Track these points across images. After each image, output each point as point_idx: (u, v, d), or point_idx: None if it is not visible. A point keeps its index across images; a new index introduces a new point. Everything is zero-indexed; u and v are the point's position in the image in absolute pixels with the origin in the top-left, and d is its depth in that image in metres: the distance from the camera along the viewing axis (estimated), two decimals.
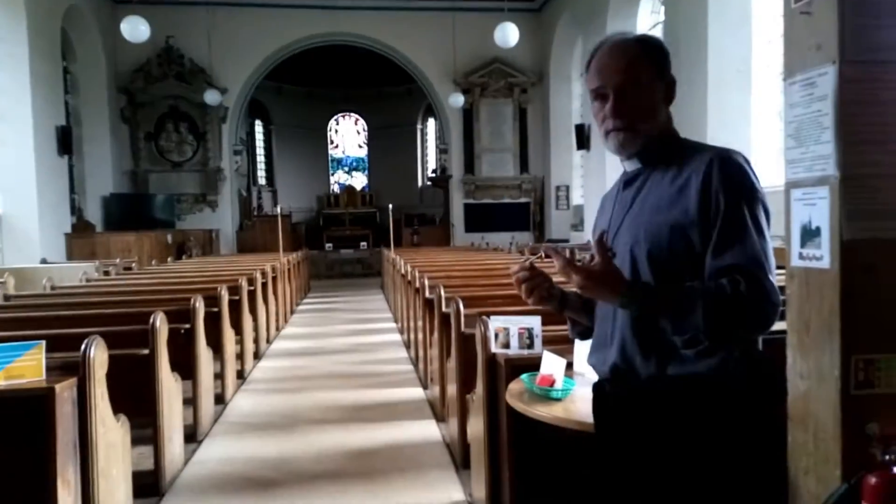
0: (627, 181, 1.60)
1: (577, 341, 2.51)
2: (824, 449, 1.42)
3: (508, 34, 10.04)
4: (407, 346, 6.69)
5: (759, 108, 7.56)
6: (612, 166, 11.21)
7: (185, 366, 3.95)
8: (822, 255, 1.40)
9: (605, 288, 1.42)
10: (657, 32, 10.57)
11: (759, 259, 1.33)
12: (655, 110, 1.51)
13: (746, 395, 1.40)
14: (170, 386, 3.53)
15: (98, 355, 2.61)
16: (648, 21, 10.88)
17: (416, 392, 4.99)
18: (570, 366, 2.40)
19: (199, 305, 4.20)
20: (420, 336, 5.42)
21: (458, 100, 13.36)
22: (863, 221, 1.70)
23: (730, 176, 1.38)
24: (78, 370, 2.55)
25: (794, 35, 1.76)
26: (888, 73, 1.69)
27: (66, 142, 10.67)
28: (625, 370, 1.51)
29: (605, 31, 11.07)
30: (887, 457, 1.55)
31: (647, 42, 1.56)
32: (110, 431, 2.74)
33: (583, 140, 12.34)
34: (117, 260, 9.14)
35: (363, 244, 15.61)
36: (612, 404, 1.52)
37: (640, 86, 1.49)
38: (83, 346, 2.58)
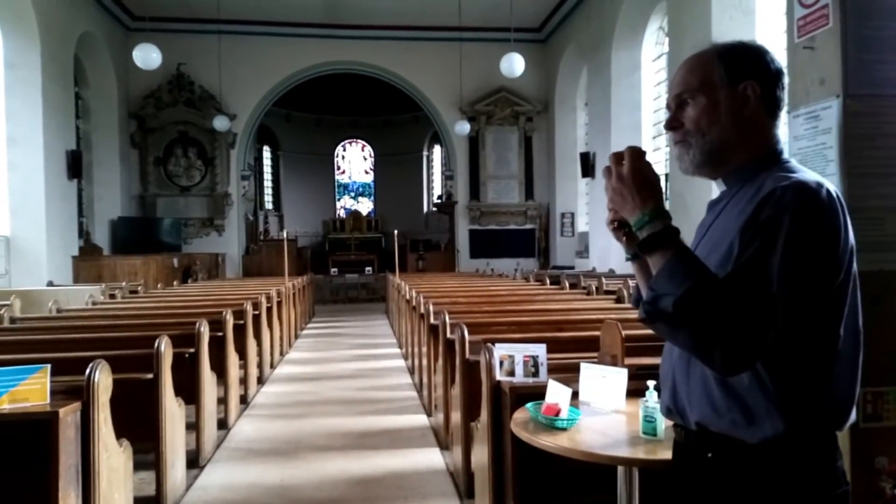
0: (712, 204, 1.39)
1: (583, 368, 2.50)
2: None
3: (514, 64, 10.16)
4: (411, 371, 6.65)
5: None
6: None
7: (188, 390, 3.94)
8: None
9: (639, 194, 1.22)
10: (661, 63, 10.69)
11: (766, 298, 1.11)
12: (714, 121, 1.29)
13: (808, 473, 1.19)
14: (173, 411, 3.52)
15: (102, 380, 2.61)
16: (653, 52, 11.00)
17: (420, 419, 4.96)
18: (575, 395, 2.39)
19: (204, 330, 4.20)
20: (424, 362, 5.40)
21: (464, 127, 13.48)
22: (868, 253, 1.71)
23: (785, 211, 1.13)
24: (82, 394, 2.55)
25: (798, 69, 1.79)
26: (891, 107, 1.71)
27: (75, 166, 10.79)
28: (675, 410, 1.36)
29: (609, 62, 11.22)
30: None
31: (721, 46, 1.34)
32: (113, 456, 2.73)
33: (587, 168, 12.40)
34: (123, 283, 9.18)
35: (368, 269, 15.62)
36: (678, 451, 1.39)
37: (696, 94, 1.31)
38: (88, 371, 2.59)
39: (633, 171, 1.23)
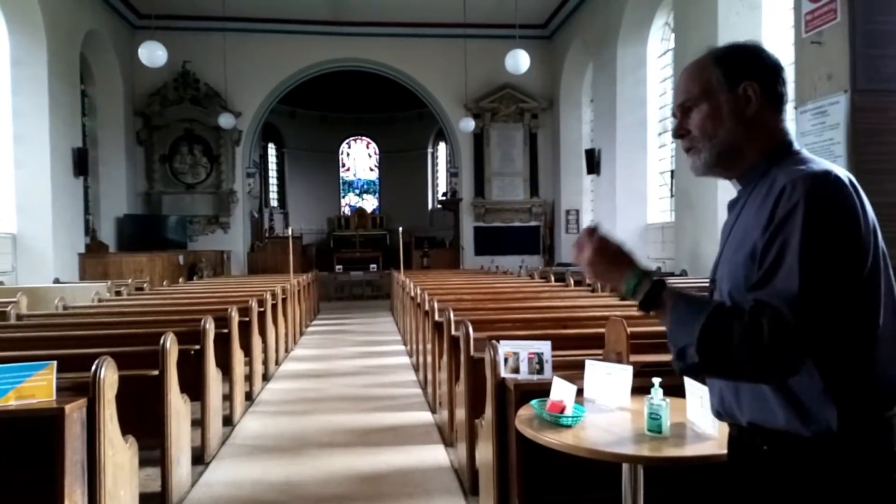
0: (731, 205, 1.42)
1: (588, 365, 2.50)
2: None
3: (519, 61, 10.12)
4: (416, 369, 6.66)
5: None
6: (621, 190, 11.23)
7: (194, 387, 3.95)
8: None
9: (615, 265, 1.30)
10: (667, 59, 10.64)
11: (793, 300, 1.10)
12: (719, 125, 1.33)
13: (865, 460, 1.19)
14: (178, 407, 3.53)
15: (108, 376, 2.62)
16: (659, 48, 10.96)
17: (425, 416, 4.96)
18: (580, 392, 2.38)
19: (210, 327, 4.21)
20: (429, 359, 5.40)
21: (468, 124, 13.45)
22: None
23: (798, 204, 1.14)
24: (88, 391, 2.56)
25: (805, 64, 1.78)
26: None
27: (81, 164, 10.82)
28: (724, 409, 1.37)
29: (615, 59, 11.18)
30: None
31: (716, 51, 1.37)
32: (118, 453, 2.73)
33: (593, 165, 12.36)
34: (129, 280, 9.20)
35: (373, 266, 15.62)
36: (733, 447, 1.39)
37: (697, 101, 1.36)
38: (93, 367, 2.59)
39: (596, 254, 1.32)
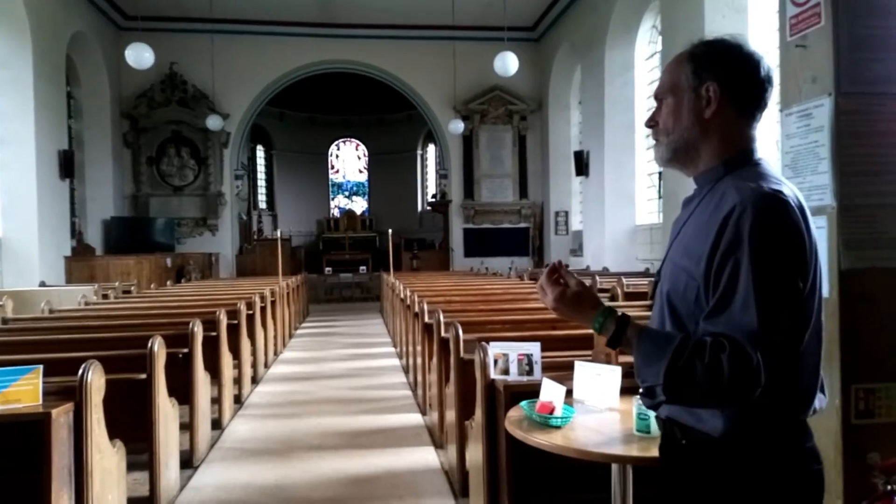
0: (686, 202, 1.44)
1: (577, 366, 2.51)
2: (825, 479, 1.41)
3: (508, 63, 10.15)
4: (406, 371, 6.65)
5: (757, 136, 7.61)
6: (610, 192, 11.29)
7: (182, 390, 3.93)
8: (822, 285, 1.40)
9: (578, 308, 1.34)
10: (654, 62, 10.71)
11: (751, 330, 1.13)
12: (677, 122, 1.35)
13: (780, 454, 1.24)
14: (167, 411, 3.51)
15: (95, 380, 2.60)
16: (646, 51, 11.02)
17: (415, 418, 4.95)
18: (569, 393, 2.39)
19: (198, 330, 4.19)
20: (419, 361, 5.40)
21: (458, 126, 13.46)
22: (860, 251, 1.72)
23: (744, 230, 1.15)
24: (75, 395, 2.54)
25: (790, 67, 1.80)
26: (883, 105, 1.72)
27: (67, 166, 10.72)
28: (651, 402, 1.40)
29: (602, 61, 11.24)
30: (889, 486, 1.54)
31: (696, 46, 1.37)
32: (106, 457, 2.71)
33: (581, 166, 12.41)
34: (116, 283, 9.13)
35: (362, 268, 15.60)
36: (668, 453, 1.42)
37: (667, 95, 1.38)
38: (80, 371, 2.57)
39: (557, 301, 1.35)
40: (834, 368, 1.45)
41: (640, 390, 1.27)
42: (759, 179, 1.24)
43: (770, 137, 7.34)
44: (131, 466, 3.15)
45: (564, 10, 13.04)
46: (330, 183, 22.38)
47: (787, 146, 1.59)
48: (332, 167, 22.46)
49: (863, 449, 1.49)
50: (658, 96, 1.41)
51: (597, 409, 2.34)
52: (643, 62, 11.06)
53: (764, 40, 7.32)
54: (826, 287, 1.37)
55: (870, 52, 1.57)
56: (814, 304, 1.22)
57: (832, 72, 1.53)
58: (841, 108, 1.52)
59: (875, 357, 1.53)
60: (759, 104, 1.32)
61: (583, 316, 1.34)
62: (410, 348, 6.17)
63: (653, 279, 1.41)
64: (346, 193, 22.67)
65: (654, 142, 1.43)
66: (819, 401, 1.27)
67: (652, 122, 1.42)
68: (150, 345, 3.37)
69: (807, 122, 1.59)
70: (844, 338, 1.41)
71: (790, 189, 1.24)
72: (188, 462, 3.94)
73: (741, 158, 1.31)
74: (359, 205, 22.49)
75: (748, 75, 1.31)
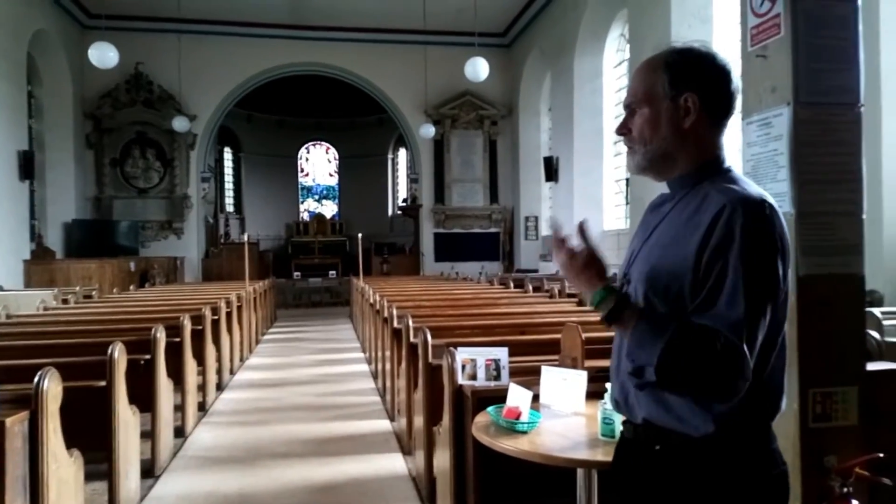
0: (655, 205, 1.46)
1: (543, 371, 2.52)
2: None
3: (479, 68, 10.20)
4: (374, 376, 6.61)
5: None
6: (579, 197, 11.41)
7: (143, 398, 3.83)
8: None
9: (585, 275, 1.31)
10: (622, 70, 10.86)
11: (740, 327, 1.16)
12: (655, 131, 1.36)
13: (749, 456, 1.27)
14: (127, 419, 3.42)
15: (52, 388, 2.52)
16: (614, 59, 11.18)
17: (383, 424, 4.92)
18: (536, 398, 2.40)
19: (161, 336, 4.10)
20: (388, 366, 5.37)
21: (429, 130, 13.47)
22: (818, 257, 1.76)
23: (736, 230, 1.19)
24: (30, 403, 2.46)
25: (751, 77, 1.83)
26: (840, 115, 1.77)
27: (27, 167, 10.44)
28: (623, 404, 1.42)
29: (572, 68, 11.36)
30: (846, 489, 1.58)
31: (670, 54, 1.38)
32: (62, 467, 2.63)
33: (551, 172, 12.52)
34: (77, 288, 8.91)
35: (332, 273, 15.48)
36: (625, 447, 1.45)
37: (640, 104, 1.38)
38: (36, 379, 2.50)
39: (569, 259, 1.32)
40: (792, 373, 1.48)
41: (629, 370, 1.27)
42: (741, 184, 1.29)
43: (735, 146, 7.52)
44: (89, 476, 3.06)
45: (535, 17, 13.16)
46: (299, 186, 22.18)
47: (748, 154, 1.61)
48: (302, 170, 22.26)
49: (820, 452, 1.52)
50: (630, 105, 1.40)
51: (563, 414, 2.35)
52: (611, 70, 11.22)
53: (728, 49, 7.48)
54: None
55: (827, 63, 1.61)
56: (786, 307, 1.26)
57: (791, 82, 1.57)
58: (799, 118, 1.56)
59: (832, 361, 1.56)
60: (729, 113, 1.36)
61: (587, 284, 1.32)
62: (379, 353, 6.13)
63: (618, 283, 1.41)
64: (316, 197, 22.48)
65: (625, 149, 1.43)
66: (783, 403, 1.30)
67: (624, 130, 1.42)
68: (109, 351, 3.29)
69: (767, 131, 1.62)
70: (802, 342, 1.44)
71: (769, 196, 1.28)
72: (149, 471, 3.85)
73: (714, 165, 1.35)
74: (329, 208, 22.32)
75: (722, 86, 1.34)
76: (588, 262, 1.31)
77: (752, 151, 1.66)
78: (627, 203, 10.19)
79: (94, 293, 8.55)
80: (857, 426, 1.68)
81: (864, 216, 1.74)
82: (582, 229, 1.34)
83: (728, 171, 1.35)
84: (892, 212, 5.31)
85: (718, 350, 1.15)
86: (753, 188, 1.29)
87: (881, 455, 1.57)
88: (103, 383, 3.25)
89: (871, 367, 1.92)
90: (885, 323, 4.07)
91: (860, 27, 1.78)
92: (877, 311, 4.23)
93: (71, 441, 2.72)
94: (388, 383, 5.33)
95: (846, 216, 1.62)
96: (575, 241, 1.34)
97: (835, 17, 1.71)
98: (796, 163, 1.56)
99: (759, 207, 1.21)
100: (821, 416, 1.56)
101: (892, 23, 5.32)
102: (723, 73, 1.34)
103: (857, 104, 1.72)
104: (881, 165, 5.26)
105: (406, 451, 4.23)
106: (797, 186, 1.57)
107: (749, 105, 1.69)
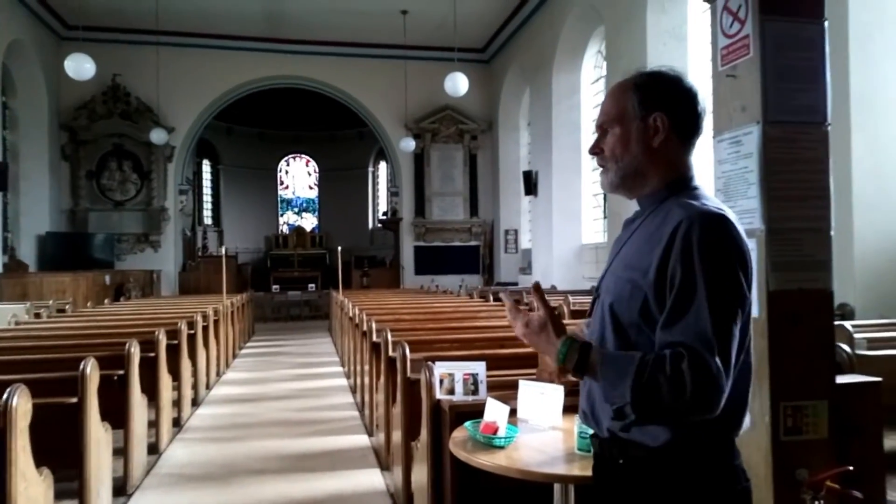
0: (629, 221, 1.50)
1: (521, 385, 2.52)
2: (756, 494, 1.45)
3: (458, 83, 10.27)
4: (353, 391, 6.56)
5: (694, 159, 7.89)
6: (558, 211, 11.49)
7: (117, 414, 3.77)
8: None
9: (543, 338, 1.35)
10: (599, 86, 11.01)
11: (708, 337, 1.18)
12: (626, 150, 1.40)
13: (710, 471, 1.29)
14: (99, 436, 3.36)
15: (21, 405, 2.47)
16: (592, 75, 11.33)
17: (361, 439, 4.88)
18: (514, 412, 2.40)
19: (135, 351, 4.04)
20: (367, 381, 5.33)
21: (409, 144, 13.51)
22: (788, 273, 1.80)
23: (694, 243, 1.22)
24: None
25: (722, 96, 1.88)
26: (807, 134, 1.81)
27: (1, 178, 10.27)
28: (590, 416, 1.44)
29: (550, 84, 11.49)
30: (817, 501, 1.60)
31: (639, 76, 1.43)
32: (32, 486, 2.57)
33: (530, 186, 12.61)
34: (50, 302, 8.74)
35: (311, 286, 15.40)
36: (596, 459, 1.47)
37: (613, 124, 1.42)
38: (5, 395, 2.44)
39: (525, 330, 1.37)
40: (763, 386, 1.50)
41: (611, 415, 1.28)
42: (703, 200, 1.32)
43: (708, 162, 7.64)
44: (60, 495, 2.99)
45: (514, 34, 13.30)
46: (279, 199, 22.06)
47: (718, 171, 1.65)
48: (282, 183, 22.16)
49: (792, 465, 1.54)
50: (603, 125, 1.45)
51: (540, 428, 2.35)
52: (589, 86, 11.36)
53: (701, 68, 7.62)
54: (756, 307, 1.42)
55: (795, 83, 1.65)
56: (749, 320, 1.27)
57: (760, 101, 1.61)
58: (768, 136, 1.59)
59: (802, 375, 1.59)
60: (697, 132, 1.41)
61: (547, 346, 1.35)
62: (358, 368, 6.10)
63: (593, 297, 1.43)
64: (296, 210, 22.37)
65: (599, 167, 1.47)
66: (747, 419, 1.31)
67: (597, 150, 1.46)
68: (81, 367, 3.23)
69: (737, 149, 1.65)
70: (773, 356, 1.46)
71: (730, 212, 1.31)
72: (122, 489, 3.77)
73: (682, 182, 1.39)
74: (309, 221, 22.22)
75: (689, 107, 1.39)
76: (542, 325, 1.35)
77: (724, 169, 1.69)
78: (605, 217, 10.29)
79: (67, 307, 8.39)
80: (828, 439, 1.71)
81: (833, 232, 1.79)
82: (537, 289, 1.40)
83: (695, 188, 1.38)
84: (863, 227, 5.43)
85: (685, 371, 1.15)
86: (713, 203, 1.32)
87: (851, 468, 1.59)
88: (75, 400, 3.19)
89: (842, 380, 1.95)
90: (856, 336, 4.14)
91: (827, 48, 1.83)
92: (848, 324, 4.31)
93: (41, 459, 2.66)
94: (367, 398, 5.30)
95: (815, 232, 1.66)
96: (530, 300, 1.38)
97: (802, 38, 1.76)
98: (766, 180, 1.59)
99: (716, 219, 1.25)
100: (792, 430, 1.58)
101: (859, 44, 5.47)
102: (690, 94, 1.39)
103: (824, 123, 1.77)
104: (851, 182, 5.38)
105: (384, 466, 4.20)
106: (767, 203, 1.61)
107: (720, 123, 1.73)
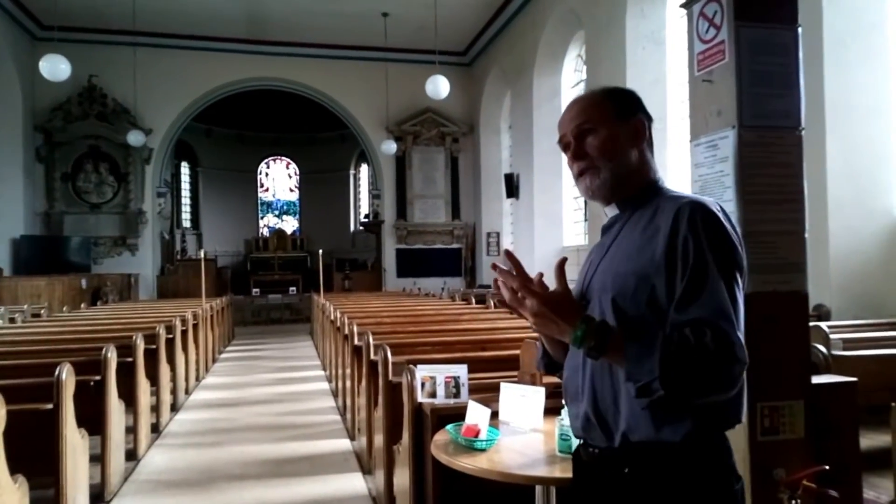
0: (606, 227, 1.50)
1: (502, 388, 2.53)
2: None
3: (439, 86, 10.28)
4: (335, 394, 6.53)
5: (674, 163, 7.99)
6: (539, 214, 11.54)
7: (93, 420, 3.71)
8: None
9: (561, 317, 1.28)
10: (580, 90, 11.08)
11: (727, 311, 1.21)
12: (617, 150, 1.41)
13: (714, 471, 1.29)
14: (75, 442, 3.30)
15: None
16: (572, 79, 11.40)
17: (343, 443, 4.86)
18: (495, 414, 2.40)
19: (112, 356, 3.98)
20: (348, 384, 5.31)
21: (390, 147, 13.49)
22: (764, 275, 1.82)
23: (698, 224, 1.26)
24: None
25: (698, 101, 1.90)
26: (782, 138, 1.84)
27: None
28: (597, 424, 1.39)
29: (531, 87, 11.54)
30: (794, 501, 1.62)
31: (605, 89, 1.48)
32: (6, 494, 2.52)
33: (512, 189, 12.66)
34: (25, 306, 8.59)
35: (292, 289, 15.28)
36: (586, 472, 1.45)
37: (597, 126, 1.42)
38: None
39: (545, 301, 1.29)
40: None
41: (634, 392, 1.24)
42: (686, 194, 1.37)
43: (684, 166, 7.71)
44: (35, 503, 2.93)
45: (494, 37, 13.35)
46: (259, 202, 21.90)
47: (695, 175, 1.67)
48: (262, 185, 22.00)
49: (769, 465, 1.56)
50: (584, 126, 1.42)
51: (522, 431, 2.36)
52: (569, 89, 11.44)
53: (680, 72, 7.71)
54: None
55: (769, 88, 1.68)
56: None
57: (735, 105, 1.63)
58: (743, 140, 1.62)
59: (778, 376, 1.61)
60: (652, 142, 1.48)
61: (568, 325, 1.28)
62: (340, 371, 6.07)
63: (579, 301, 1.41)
64: (277, 212, 22.23)
65: (584, 173, 1.44)
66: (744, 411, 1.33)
67: (582, 153, 1.43)
68: (57, 372, 3.18)
69: (713, 153, 1.68)
70: (751, 358, 1.48)
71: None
72: (99, 496, 3.72)
73: (657, 185, 1.43)
74: (289, 224, 22.08)
75: (648, 115, 1.46)
76: (561, 301, 1.30)
77: (700, 172, 1.72)
78: (586, 220, 10.35)
79: (42, 311, 8.26)
80: (805, 439, 1.73)
81: (808, 235, 1.82)
82: (559, 266, 1.36)
83: (669, 189, 1.43)
84: (837, 230, 5.53)
85: (709, 343, 1.16)
86: (697, 196, 1.37)
87: (827, 468, 1.62)
88: (50, 406, 3.14)
89: (818, 380, 1.98)
90: (832, 337, 4.21)
91: (801, 54, 1.86)
92: (824, 325, 4.38)
93: (15, 466, 2.61)
94: (349, 401, 5.27)
95: (789, 235, 1.68)
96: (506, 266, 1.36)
97: (777, 44, 1.79)
98: (742, 183, 1.61)
99: (713, 206, 1.30)
100: (769, 430, 1.60)
101: (834, 50, 5.57)
102: (643, 105, 1.47)
103: (798, 127, 1.80)
104: (826, 186, 5.48)
105: (366, 470, 4.18)
106: (742, 206, 1.63)
107: (696, 128, 1.75)
